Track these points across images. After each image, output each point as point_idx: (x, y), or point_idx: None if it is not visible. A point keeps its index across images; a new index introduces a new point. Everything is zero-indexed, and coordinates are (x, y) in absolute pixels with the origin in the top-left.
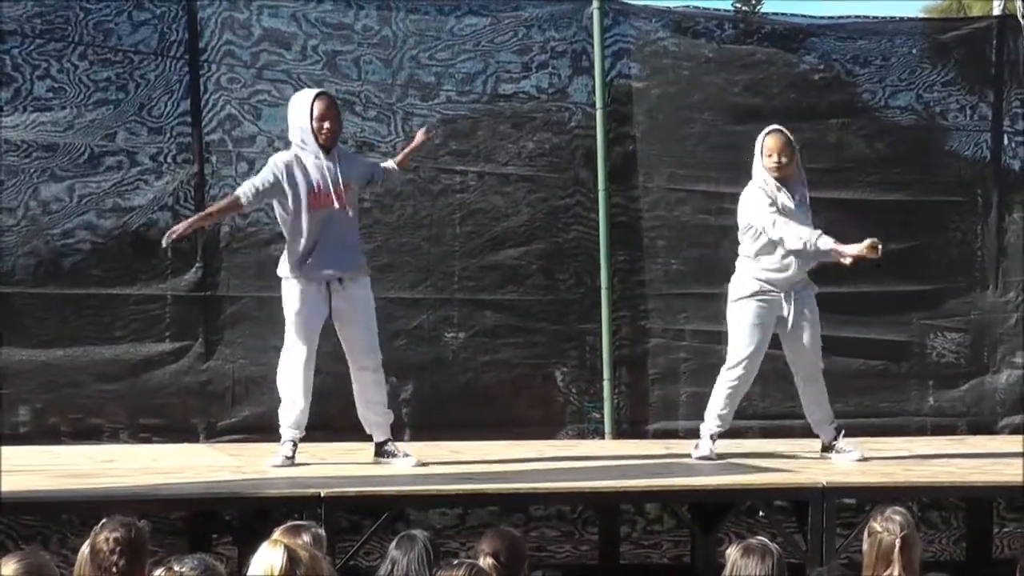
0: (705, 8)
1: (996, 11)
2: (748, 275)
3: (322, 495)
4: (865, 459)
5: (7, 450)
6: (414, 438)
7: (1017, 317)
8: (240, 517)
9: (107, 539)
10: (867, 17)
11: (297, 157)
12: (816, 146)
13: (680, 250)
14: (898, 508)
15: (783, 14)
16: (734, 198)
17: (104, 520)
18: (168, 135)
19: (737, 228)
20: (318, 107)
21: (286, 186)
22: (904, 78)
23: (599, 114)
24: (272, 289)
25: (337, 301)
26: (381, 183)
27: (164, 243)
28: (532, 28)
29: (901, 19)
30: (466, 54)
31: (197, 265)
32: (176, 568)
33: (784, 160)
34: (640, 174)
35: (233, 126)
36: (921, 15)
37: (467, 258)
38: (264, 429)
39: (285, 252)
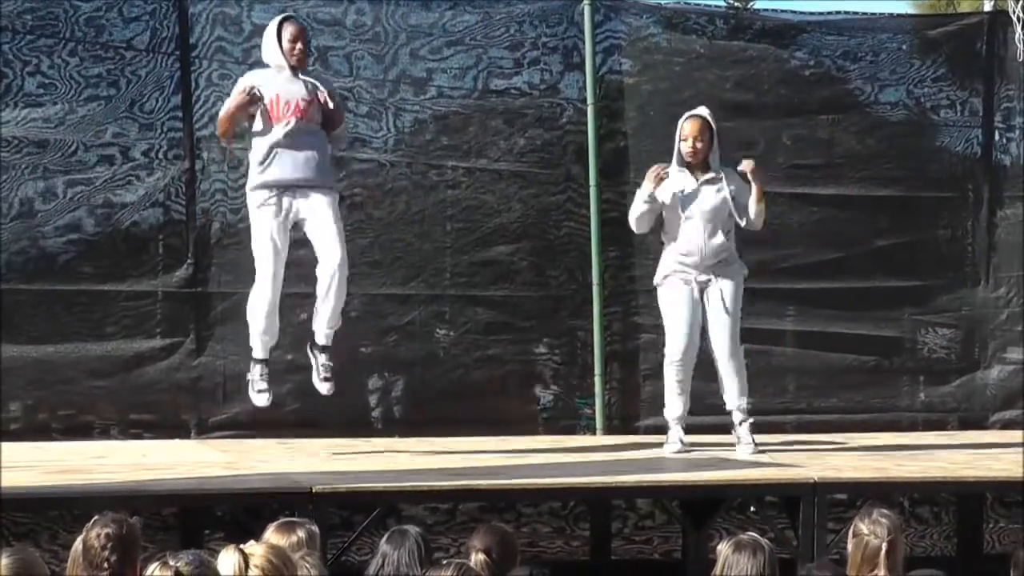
0: (696, 4)
1: (987, 6)
2: (665, 259)
3: (313, 491)
4: (759, 451)
5: None
6: (405, 434)
7: (1008, 313)
8: (231, 513)
9: (99, 535)
10: (857, 13)
11: (261, 75)
12: (807, 142)
13: None
14: (884, 510)
15: (774, 10)
16: None
17: (96, 517)
18: (159, 131)
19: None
20: (287, 30)
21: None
22: (895, 74)
23: (590, 110)
24: None
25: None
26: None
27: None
28: (523, 24)
29: (891, 15)
30: (458, 49)
31: (188, 262)
32: (171, 563)
33: (699, 145)
34: (631, 170)
35: None
36: (911, 11)
37: (458, 254)
38: (255, 425)
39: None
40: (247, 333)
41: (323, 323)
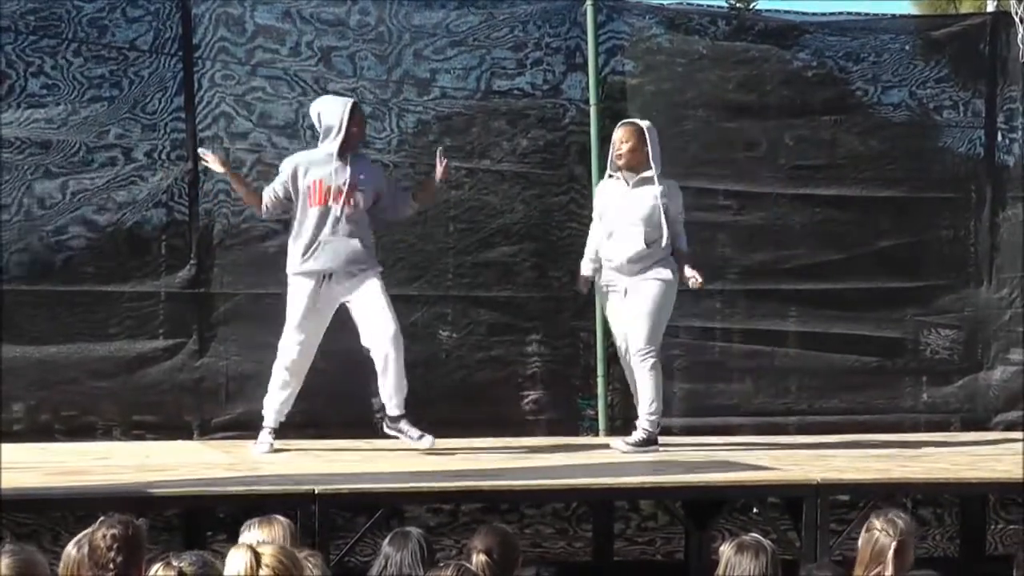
0: (699, 5)
1: (990, 7)
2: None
3: (316, 492)
4: (634, 451)
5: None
6: None
7: (1011, 314)
8: (234, 514)
9: (105, 536)
10: (860, 14)
11: (305, 157)
12: (809, 143)
13: None
14: (901, 513)
15: (776, 11)
16: (728, 195)
17: (102, 518)
18: (162, 132)
19: (731, 225)
20: (358, 115)
21: (291, 187)
22: (897, 75)
23: (593, 111)
24: (265, 286)
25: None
26: (391, 209)
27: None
28: (527, 24)
29: (894, 16)
30: (461, 50)
31: (191, 262)
32: (175, 563)
33: (624, 149)
34: None
35: (227, 123)
36: (914, 12)
37: (461, 255)
38: (258, 426)
39: (290, 248)
40: (250, 334)
41: (389, 395)
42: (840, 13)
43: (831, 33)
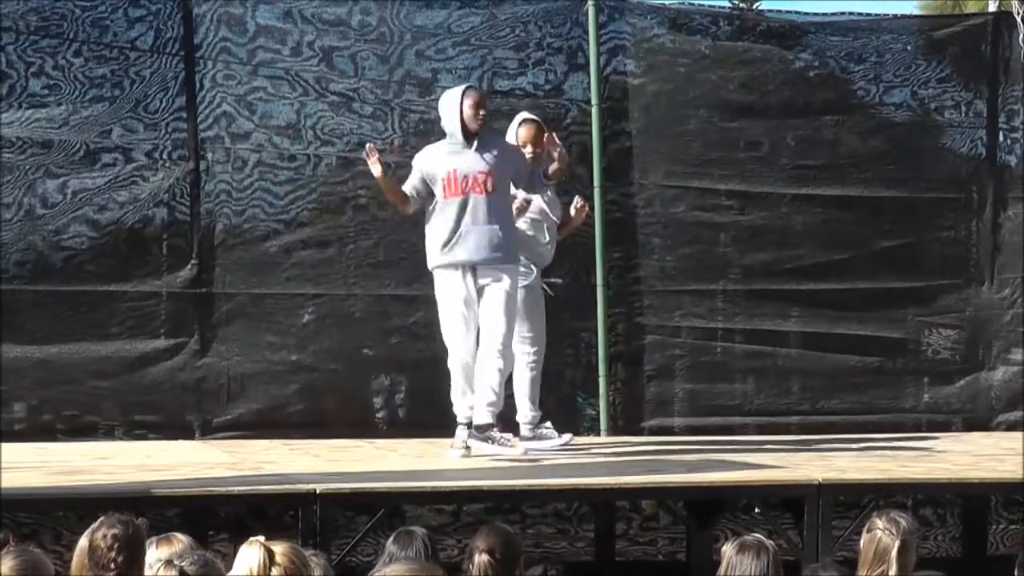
0: (701, 5)
1: (992, 7)
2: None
3: (317, 492)
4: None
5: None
6: (410, 435)
7: (1012, 314)
8: (235, 514)
9: (105, 536)
10: (862, 14)
11: (436, 148)
12: (811, 142)
13: (675, 247)
14: (903, 513)
15: (778, 11)
16: (730, 194)
17: (102, 518)
18: (164, 131)
19: (733, 226)
20: (470, 97)
21: (428, 179)
22: (899, 75)
23: (595, 111)
24: (267, 286)
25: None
26: (526, 189)
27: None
28: (528, 25)
29: (896, 16)
30: (463, 50)
31: (192, 262)
32: (176, 563)
33: (538, 151)
34: (636, 171)
35: (229, 122)
36: (916, 12)
37: None
38: (259, 426)
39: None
40: (251, 334)
41: (473, 404)
42: (842, 13)
43: (833, 33)
